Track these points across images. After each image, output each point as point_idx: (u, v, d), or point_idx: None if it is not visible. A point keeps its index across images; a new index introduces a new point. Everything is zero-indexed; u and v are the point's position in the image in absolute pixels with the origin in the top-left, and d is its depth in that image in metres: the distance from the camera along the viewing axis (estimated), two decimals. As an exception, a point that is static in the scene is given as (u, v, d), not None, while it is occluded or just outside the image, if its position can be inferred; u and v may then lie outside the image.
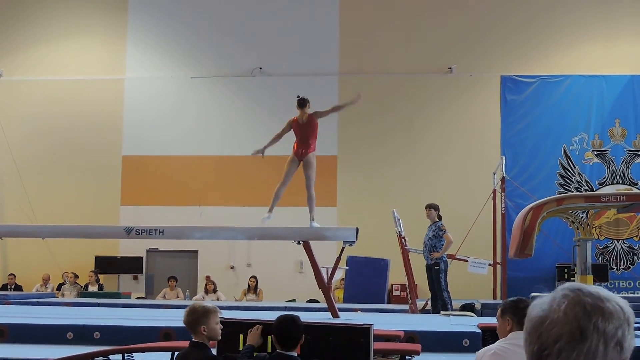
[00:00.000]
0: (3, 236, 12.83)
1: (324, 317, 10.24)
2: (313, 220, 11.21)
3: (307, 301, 17.29)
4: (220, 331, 5.20)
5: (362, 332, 5.52)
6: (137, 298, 18.23)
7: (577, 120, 18.84)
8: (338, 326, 6.17)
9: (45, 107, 20.03)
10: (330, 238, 12.15)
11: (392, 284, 17.80)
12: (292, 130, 11.38)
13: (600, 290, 1.63)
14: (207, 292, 17.64)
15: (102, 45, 20.34)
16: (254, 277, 18.12)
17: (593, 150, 18.76)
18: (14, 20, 20.52)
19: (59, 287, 18.72)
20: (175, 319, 8.99)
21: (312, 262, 10.81)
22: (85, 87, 20.01)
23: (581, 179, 18.67)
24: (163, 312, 12.39)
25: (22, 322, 9.95)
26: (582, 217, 13.88)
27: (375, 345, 6.00)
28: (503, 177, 16.54)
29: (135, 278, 19.57)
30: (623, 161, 18.71)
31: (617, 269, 18.43)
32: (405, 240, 14.11)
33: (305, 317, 5.64)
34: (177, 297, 17.95)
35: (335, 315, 10.59)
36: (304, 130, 11.22)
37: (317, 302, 16.45)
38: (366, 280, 16.46)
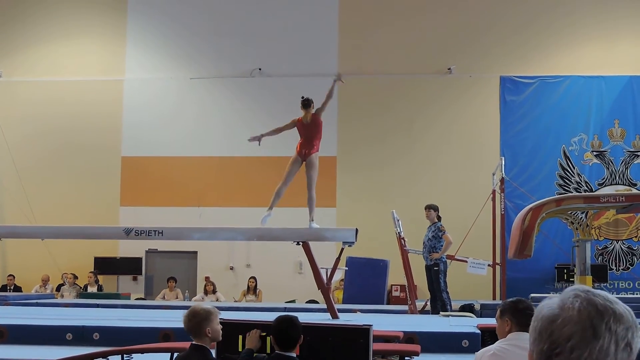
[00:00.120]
0: (2, 237, 12.84)
1: (324, 318, 10.23)
2: (312, 221, 11.20)
3: (307, 302, 17.29)
4: (221, 332, 5.21)
5: (361, 332, 5.51)
6: (136, 299, 18.21)
7: (576, 121, 18.84)
8: (337, 327, 6.17)
9: (45, 108, 20.03)
10: (330, 239, 12.16)
11: (392, 285, 17.81)
12: (296, 129, 11.37)
13: (607, 293, 1.64)
14: (206, 292, 17.64)
15: (102, 47, 20.34)
16: (254, 277, 18.12)
17: (592, 151, 18.76)
18: (13, 22, 20.51)
19: (58, 288, 18.71)
20: (175, 319, 9.00)
21: (312, 263, 10.80)
22: (85, 88, 20.01)
23: (580, 180, 18.68)
24: (162, 313, 12.38)
25: (21, 323, 9.96)
26: (582, 217, 13.89)
27: (374, 346, 5.99)
28: (502, 177, 16.54)
29: (135, 279, 19.56)
30: (622, 162, 18.71)
31: (616, 269, 18.43)
32: (404, 241, 14.11)
33: (304, 317, 5.64)
34: (177, 298, 17.95)
35: (334, 316, 10.59)
36: (309, 130, 11.20)
37: (317, 302, 16.45)
38: (365, 281, 16.46)
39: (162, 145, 19.77)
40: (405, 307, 14.15)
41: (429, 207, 13.82)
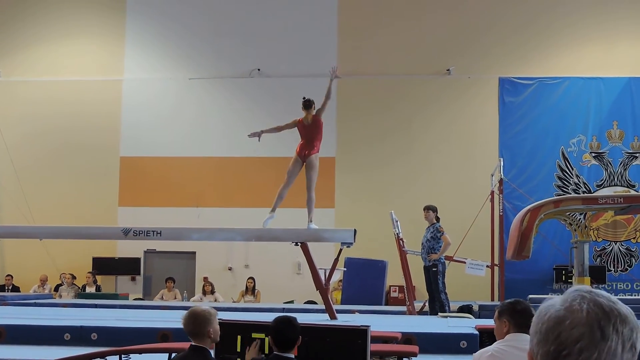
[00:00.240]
0: (0, 237, 12.84)
1: (322, 319, 10.23)
2: (311, 222, 11.19)
3: (305, 302, 17.29)
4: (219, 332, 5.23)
5: (359, 333, 5.52)
6: (134, 299, 18.21)
7: (575, 122, 18.85)
8: (335, 328, 6.17)
9: (43, 107, 20.03)
10: (328, 239, 12.15)
11: (390, 286, 17.81)
12: (297, 130, 11.32)
13: (607, 293, 1.65)
14: (204, 293, 17.64)
15: (100, 47, 20.33)
16: (252, 278, 18.12)
17: (591, 152, 18.77)
18: (12, 22, 20.51)
19: (56, 288, 18.70)
20: (173, 320, 8.99)
21: (310, 264, 10.80)
22: (83, 88, 20.00)
23: (579, 181, 18.69)
24: (161, 314, 12.37)
25: (19, 323, 9.95)
26: (580, 219, 13.89)
27: (372, 347, 6.00)
28: (501, 178, 16.55)
29: (133, 279, 19.56)
30: (621, 163, 18.72)
31: (614, 270, 18.44)
32: (403, 241, 14.12)
33: (302, 318, 5.64)
34: (175, 298, 17.95)
35: (332, 317, 10.59)
36: (309, 131, 11.16)
37: (315, 303, 16.44)
38: (364, 281, 16.47)
39: (160, 145, 19.76)
40: (404, 308, 14.15)
41: (428, 208, 13.82)
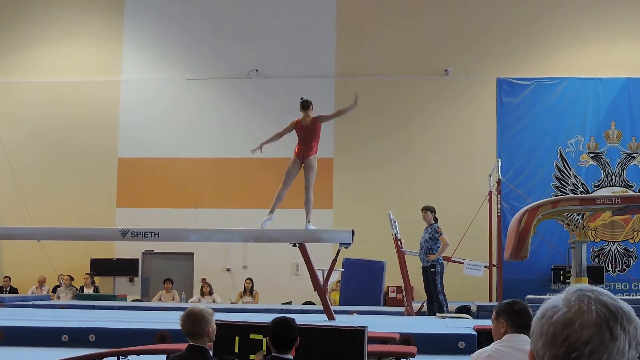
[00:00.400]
0: (-2, 238, 12.82)
1: (320, 320, 10.23)
2: (309, 222, 11.18)
3: (303, 303, 17.29)
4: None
5: (356, 334, 5.52)
6: (132, 300, 18.20)
7: (572, 123, 18.86)
8: (332, 328, 6.17)
9: (41, 108, 20.01)
10: (326, 240, 12.16)
11: (388, 286, 17.80)
12: (294, 131, 11.29)
13: (607, 291, 1.64)
14: (203, 294, 17.63)
15: (98, 48, 20.33)
16: (250, 279, 18.11)
17: (589, 153, 18.78)
18: (10, 23, 20.50)
19: (54, 290, 18.69)
20: (171, 321, 8.98)
21: (308, 265, 10.80)
22: (81, 88, 19.99)
23: (577, 181, 18.70)
24: (159, 315, 12.37)
25: (17, 324, 9.94)
26: (578, 219, 13.90)
27: (370, 348, 6.00)
28: (499, 179, 16.56)
29: (131, 280, 19.56)
30: (619, 163, 18.73)
31: (612, 271, 18.45)
32: (401, 242, 14.12)
33: (301, 319, 5.64)
34: (173, 299, 17.94)
35: (331, 318, 10.59)
36: (307, 132, 11.12)
37: (313, 304, 16.45)
38: (362, 282, 16.46)
39: (158, 146, 19.76)
40: (402, 309, 14.15)
41: (426, 209, 13.82)
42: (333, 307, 11.47)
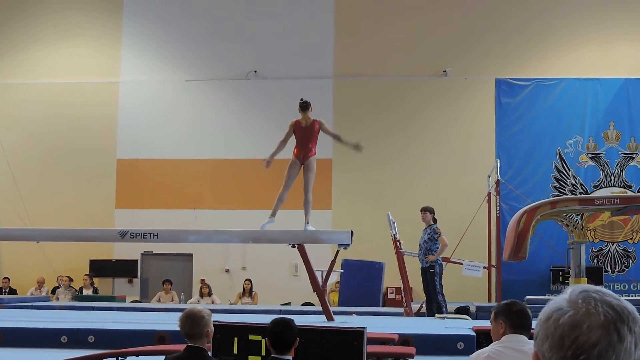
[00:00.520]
0: (-3, 240, 12.82)
1: (319, 320, 10.23)
2: (308, 224, 11.17)
3: (302, 304, 17.28)
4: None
5: (355, 335, 5.52)
6: (131, 301, 18.19)
7: (571, 123, 18.86)
8: (331, 329, 6.17)
9: (40, 109, 20.01)
10: (325, 241, 12.15)
11: (387, 287, 17.80)
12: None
13: (609, 290, 1.64)
14: (202, 295, 17.63)
15: (97, 49, 20.33)
16: (249, 280, 18.11)
17: (587, 153, 18.79)
18: (9, 24, 20.50)
19: (53, 291, 18.69)
20: (170, 322, 8.97)
21: (307, 266, 10.79)
22: (80, 90, 19.99)
23: (576, 182, 18.70)
24: (158, 316, 12.36)
25: (16, 325, 9.94)
26: (577, 220, 13.91)
27: (369, 348, 6.00)
28: (498, 180, 16.56)
29: (130, 281, 19.56)
30: (617, 164, 18.74)
31: (611, 271, 18.45)
32: (400, 243, 14.12)
33: (300, 320, 5.64)
34: (172, 300, 17.94)
35: (330, 319, 10.59)
36: (307, 133, 11.07)
37: (313, 305, 16.44)
38: (361, 283, 16.47)
39: (157, 147, 19.76)
40: (401, 310, 14.16)
41: (425, 210, 13.83)
42: (332, 308, 11.46)
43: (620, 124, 18.82)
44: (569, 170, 18.74)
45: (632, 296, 17.71)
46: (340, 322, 10.24)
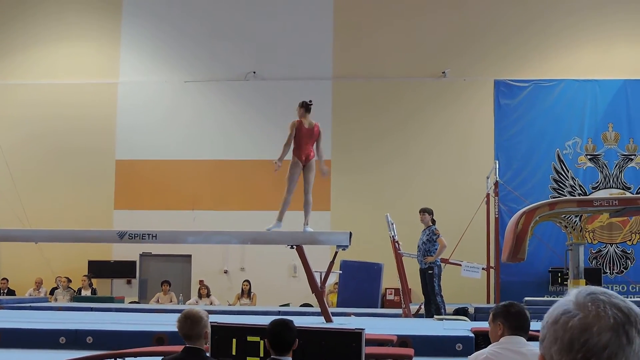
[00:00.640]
0: (-4, 240, 12.80)
1: (318, 322, 10.23)
2: (307, 225, 11.16)
3: (301, 305, 17.27)
4: None
5: (354, 336, 5.51)
6: (130, 302, 18.18)
7: (570, 125, 18.87)
8: (329, 331, 6.16)
9: (39, 110, 20.01)
10: (324, 242, 12.14)
11: (386, 288, 17.81)
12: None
13: (615, 292, 1.64)
14: (200, 296, 17.62)
15: (96, 50, 20.32)
16: (248, 281, 18.11)
17: (586, 155, 18.79)
18: (8, 25, 20.49)
19: (52, 292, 18.68)
20: (169, 323, 8.97)
21: (306, 267, 10.79)
22: (79, 91, 19.99)
23: (574, 183, 18.70)
24: (156, 317, 12.34)
25: (14, 326, 9.92)
26: (575, 221, 13.91)
27: (368, 350, 6.00)
28: (496, 181, 16.56)
29: (129, 282, 19.55)
30: (616, 165, 18.74)
31: (610, 273, 18.46)
32: (398, 244, 14.11)
33: (298, 321, 5.64)
34: (171, 301, 17.93)
35: (328, 320, 10.58)
36: (309, 135, 11.03)
37: (311, 306, 16.43)
38: (360, 284, 16.46)
39: (156, 148, 19.76)
40: (400, 311, 14.14)
41: (424, 211, 13.83)
42: (330, 309, 11.46)
43: (619, 126, 18.83)
44: (568, 171, 18.74)
45: (630, 297, 17.69)
46: (338, 323, 10.23)
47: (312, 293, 11.02)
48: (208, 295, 17.63)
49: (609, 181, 18.71)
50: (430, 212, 13.78)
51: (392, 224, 14.17)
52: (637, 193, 18.40)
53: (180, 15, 20.13)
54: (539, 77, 19.04)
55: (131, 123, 19.93)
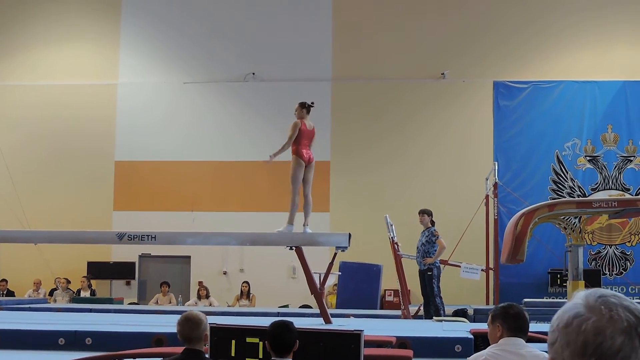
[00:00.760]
0: (-5, 241, 12.80)
1: (317, 323, 10.23)
2: (307, 225, 11.17)
3: (300, 307, 17.28)
4: None
5: (353, 338, 5.51)
6: (129, 304, 18.19)
7: (569, 126, 18.87)
8: (328, 332, 6.16)
9: (38, 111, 20.01)
10: (323, 243, 12.14)
11: (385, 290, 17.81)
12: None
13: (620, 294, 1.64)
14: (199, 297, 17.62)
15: (95, 51, 20.33)
16: (247, 282, 18.10)
17: (585, 156, 18.80)
18: (7, 26, 20.49)
19: (51, 293, 18.67)
20: (168, 324, 8.97)
21: (305, 268, 10.79)
22: (78, 92, 19.99)
23: (574, 185, 18.71)
24: (155, 318, 12.34)
25: (13, 327, 9.92)
26: (575, 222, 13.91)
27: (367, 351, 6.00)
28: (495, 182, 16.57)
29: (128, 283, 19.54)
30: (615, 167, 18.75)
31: (609, 274, 18.46)
32: (397, 245, 14.11)
33: (297, 322, 5.63)
34: (170, 302, 17.92)
35: (327, 321, 10.59)
36: (310, 136, 11.09)
37: (310, 307, 16.44)
38: (359, 285, 16.46)
39: (155, 149, 19.75)
40: (399, 312, 14.14)
41: (423, 212, 13.82)
42: (330, 311, 11.46)
43: (618, 127, 18.84)
44: (567, 173, 18.75)
45: (630, 299, 17.69)
46: (337, 324, 10.23)
47: (311, 294, 11.02)
48: (207, 296, 17.63)
49: (608, 182, 18.71)
50: (429, 213, 13.78)
51: (391, 225, 14.17)
52: (636, 194, 18.41)
53: (179, 17, 20.13)
54: (538, 78, 19.05)
55: (130, 124, 19.93)
